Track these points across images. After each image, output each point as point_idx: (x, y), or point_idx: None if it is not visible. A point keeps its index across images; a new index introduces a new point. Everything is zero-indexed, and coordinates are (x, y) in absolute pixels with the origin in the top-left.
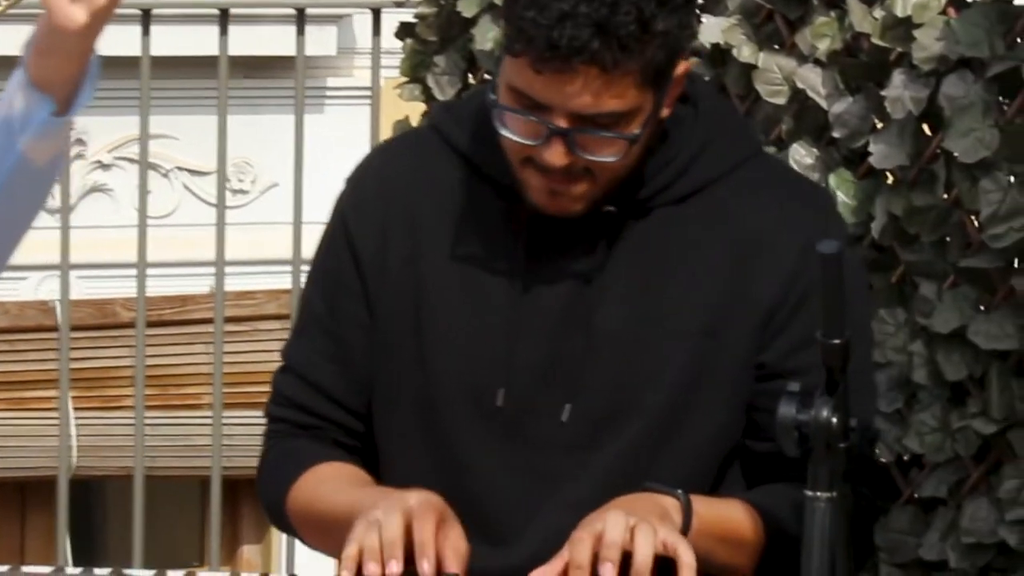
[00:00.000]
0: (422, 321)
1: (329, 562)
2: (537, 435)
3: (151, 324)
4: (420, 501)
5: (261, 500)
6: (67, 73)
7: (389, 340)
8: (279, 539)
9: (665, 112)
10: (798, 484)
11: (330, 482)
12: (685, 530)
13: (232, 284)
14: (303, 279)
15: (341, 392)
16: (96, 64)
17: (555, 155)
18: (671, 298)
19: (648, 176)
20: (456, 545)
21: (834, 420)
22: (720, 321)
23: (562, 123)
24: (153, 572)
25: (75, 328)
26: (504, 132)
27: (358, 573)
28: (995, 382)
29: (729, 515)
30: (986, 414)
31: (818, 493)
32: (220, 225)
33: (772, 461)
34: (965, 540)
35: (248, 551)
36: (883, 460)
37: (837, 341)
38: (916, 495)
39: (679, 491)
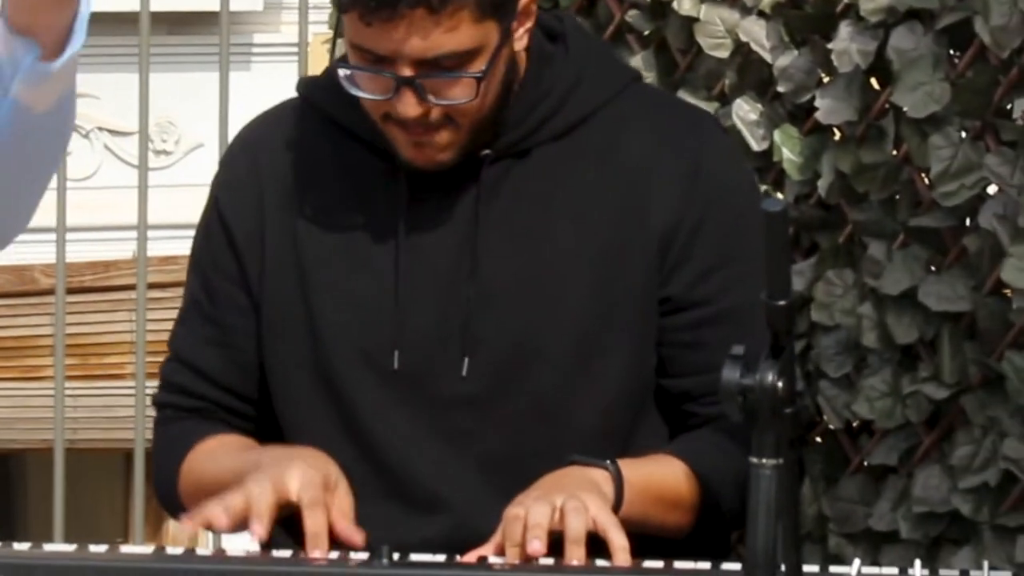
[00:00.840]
0: (308, 293)
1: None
2: (439, 394)
3: (71, 291)
4: (303, 483)
5: (156, 493)
6: (48, 19)
7: (278, 318)
8: None
9: (519, 45)
10: (720, 425)
11: (216, 452)
12: (618, 500)
13: (156, 249)
14: None
15: (226, 376)
16: (86, 11)
17: (408, 106)
18: (560, 239)
19: (521, 116)
20: (344, 508)
21: (780, 384)
22: (614, 257)
23: (407, 72)
24: (75, 547)
25: None
26: (355, 91)
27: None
28: (947, 345)
29: (661, 475)
30: (938, 378)
31: (764, 460)
32: (142, 187)
33: (690, 399)
34: (917, 509)
35: (174, 526)
36: (831, 427)
37: (783, 303)
38: (866, 463)
39: (607, 462)
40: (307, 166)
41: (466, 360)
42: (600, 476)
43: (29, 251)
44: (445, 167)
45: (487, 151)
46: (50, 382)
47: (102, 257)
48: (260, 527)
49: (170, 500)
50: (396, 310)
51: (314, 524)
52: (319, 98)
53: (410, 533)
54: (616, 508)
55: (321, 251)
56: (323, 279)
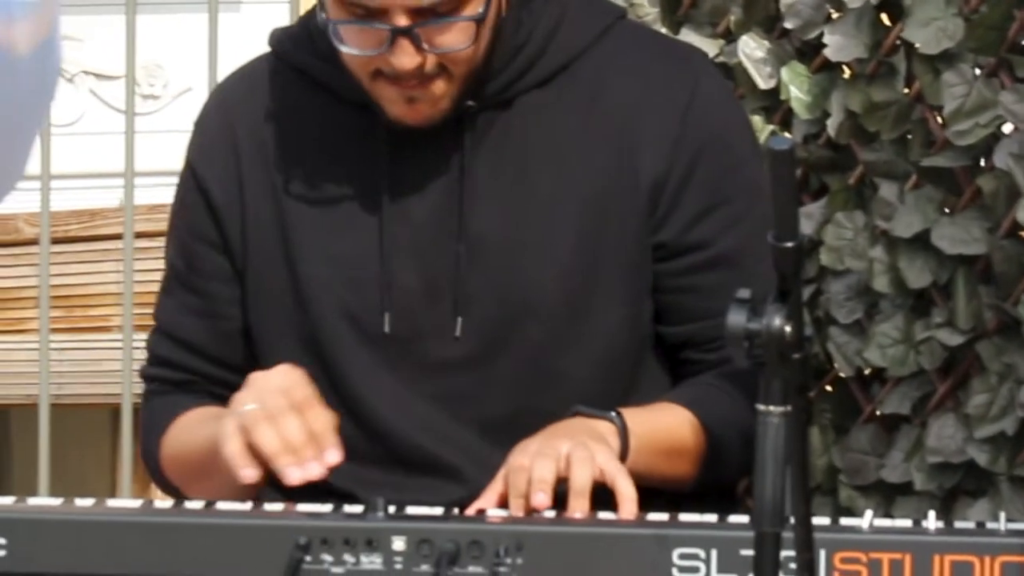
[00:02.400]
0: (292, 257)
1: None
2: (432, 356)
3: (56, 241)
4: (287, 385)
5: (145, 467)
6: None
7: (262, 284)
8: None
9: None
10: (724, 371)
11: (191, 425)
12: (624, 452)
13: (143, 197)
14: None
15: (210, 346)
16: None
17: (404, 57)
18: (548, 189)
19: (503, 63)
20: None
21: (787, 329)
22: (604, 205)
23: (402, 21)
24: (60, 500)
25: None
26: (345, 48)
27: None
28: (961, 289)
29: (666, 424)
30: (952, 324)
31: (771, 407)
32: (129, 133)
33: (691, 346)
34: (931, 460)
35: None
36: (842, 375)
37: (790, 244)
38: (878, 412)
39: (612, 413)
40: (283, 125)
41: (459, 320)
42: (605, 428)
43: (12, 200)
44: (436, 122)
45: (470, 103)
46: (35, 335)
47: (88, 206)
48: (252, 473)
49: (158, 476)
50: (383, 271)
51: (317, 424)
52: (291, 52)
53: (408, 496)
54: (622, 460)
55: (303, 213)
56: (306, 242)
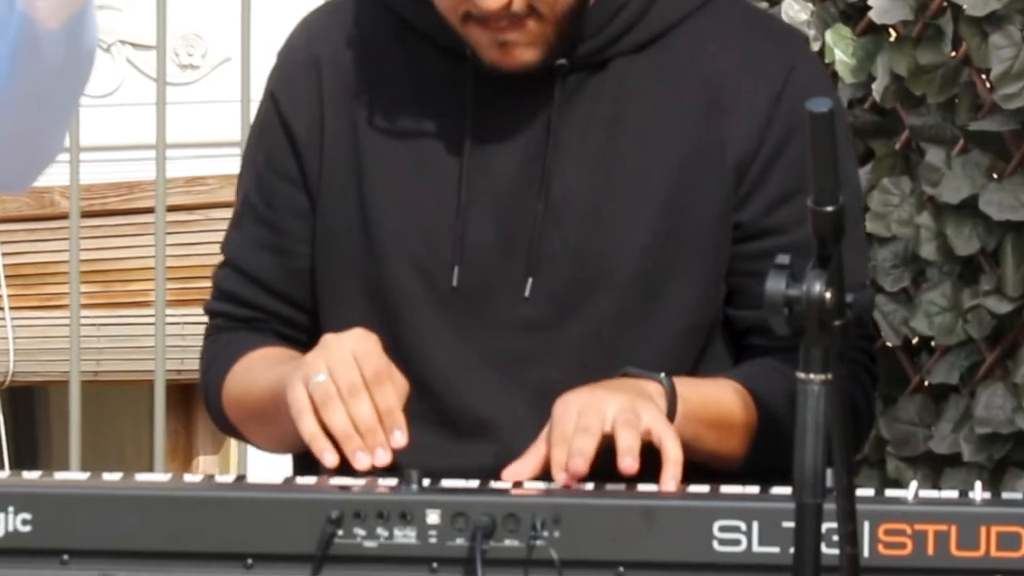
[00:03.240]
0: (365, 200)
1: (283, 467)
2: (498, 315)
3: (94, 214)
4: (366, 352)
5: (204, 401)
6: None
7: (331, 224)
8: (236, 449)
9: None
10: (789, 357)
11: (260, 365)
12: (670, 416)
13: (181, 169)
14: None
15: (280, 283)
16: None
17: None
18: (635, 156)
19: (600, 24)
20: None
21: (828, 295)
22: (690, 178)
23: None
24: (87, 475)
25: (9, 220)
26: None
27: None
28: (1010, 256)
29: (718, 398)
30: (1000, 291)
31: (811, 375)
32: (160, 104)
33: (757, 332)
34: (980, 430)
35: (204, 462)
36: (889, 344)
37: (830, 208)
38: (925, 382)
39: (662, 375)
40: (369, 62)
41: (529, 281)
42: (653, 389)
43: (48, 173)
44: (531, 68)
45: (563, 61)
46: (69, 310)
47: (126, 178)
48: (385, 455)
49: (217, 413)
50: (457, 222)
51: (386, 402)
52: None
53: (453, 460)
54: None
55: (381, 156)
56: (382, 184)
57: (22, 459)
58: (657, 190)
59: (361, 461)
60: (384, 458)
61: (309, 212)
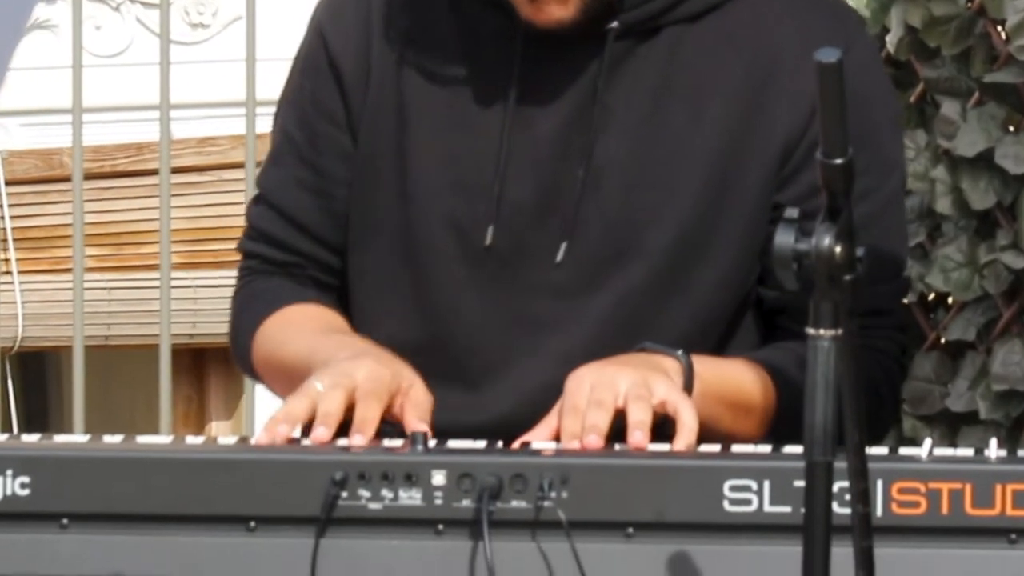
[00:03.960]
0: (405, 147)
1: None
2: (528, 278)
3: (103, 176)
4: (367, 376)
5: (230, 343)
6: None
7: (368, 168)
8: (249, 412)
9: None
10: None
11: (296, 325)
12: (687, 393)
13: (191, 129)
14: (259, 123)
15: (319, 225)
16: None
17: None
18: (680, 127)
19: None
20: (418, 401)
21: (837, 249)
22: (734, 154)
23: None
24: (87, 437)
25: (17, 182)
26: None
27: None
28: None
29: (736, 378)
30: (1017, 246)
31: (821, 331)
32: (164, 64)
33: (787, 313)
34: (997, 388)
35: (217, 427)
36: (904, 300)
37: (839, 160)
38: (942, 339)
39: (679, 352)
40: (416, 8)
41: (563, 246)
42: (670, 364)
43: (56, 134)
44: (566, 27)
45: (614, 23)
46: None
47: (135, 139)
48: (326, 433)
49: (244, 360)
50: (496, 181)
51: (364, 412)
52: None
53: (466, 419)
54: None
55: (425, 104)
56: (423, 135)
57: (32, 425)
58: (700, 164)
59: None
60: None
61: (351, 155)
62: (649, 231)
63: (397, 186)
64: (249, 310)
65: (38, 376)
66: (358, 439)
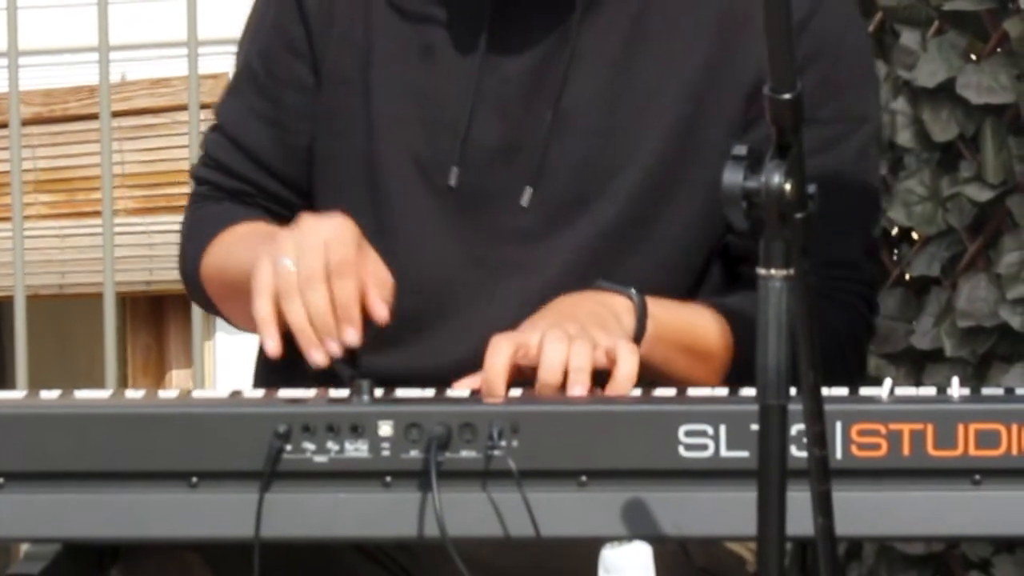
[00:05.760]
0: (371, 82)
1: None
2: (492, 221)
3: (54, 120)
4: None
5: (180, 272)
6: None
7: (334, 102)
8: (210, 362)
9: None
10: None
11: (245, 237)
12: (639, 335)
13: (143, 71)
14: (202, 64)
15: (274, 158)
16: None
17: None
18: (650, 72)
19: None
20: (376, 275)
21: (787, 186)
22: (702, 99)
23: None
24: (23, 393)
25: None
26: None
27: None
28: (990, 141)
29: (693, 322)
30: (981, 179)
31: (772, 271)
32: (102, 4)
33: (750, 262)
34: (962, 324)
35: (177, 376)
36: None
37: (787, 96)
38: (906, 275)
39: (632, 290)
40: None
41: (529, 190)
42: (621, 305)
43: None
44: None
45: None
46: (33, 221)
47: (90, 82)
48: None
49: (194, 285)
50: (464, 121)
51: (344, 293)
52: None
53: (422, 363)
54: (636, 342)
55: (393, 38)
56: (390, 69)
57: None
58: (668, 109)
59: (313, 356)
60: (334, 349)
61: (312, 87)
62: (615, 177)
63: (363, 119)
64: (197, 233)
65: None
66: (350, 334)
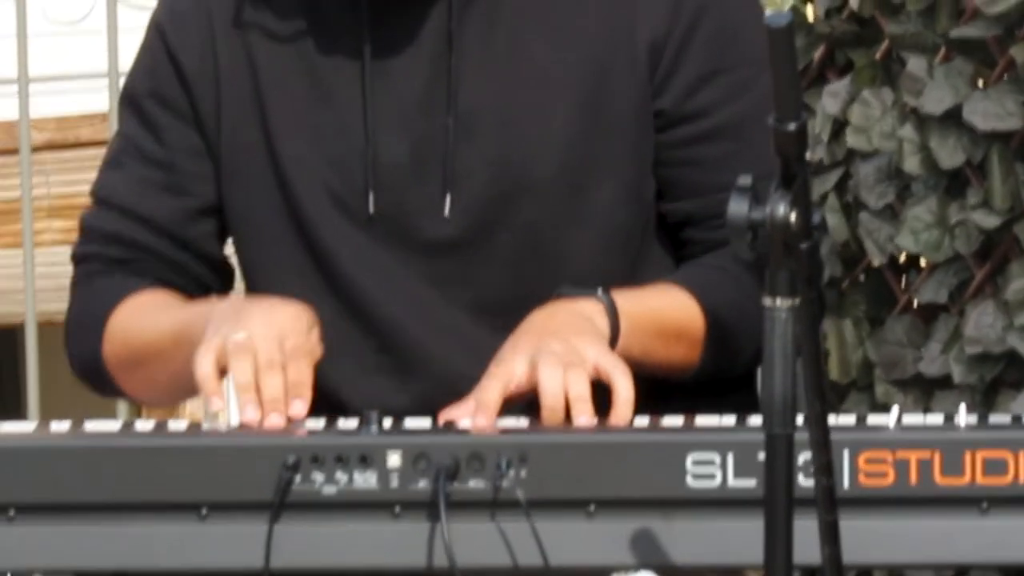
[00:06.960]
0: (270, 131)
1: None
2: (420, 237)
3: (66, 147)
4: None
5: (71, 363)
6: None
7: (240, 163)
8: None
9: None
10: (727, 251)
11: (149, 308)
12: (614, 334)
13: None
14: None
15: (170, 223)
16: None
17: None
18: (543, 58)
19: None
20: (297, 380)
21: (792, 217)
22: (602, 72)
23: None
24: (34, 426)
25: None
26: None
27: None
28: (996, 168)
29: (660, 306)
30: (988, 205)
31: (778, 301)
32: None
33: (693, 224)
34: (970, 351)
35: (191, 403)
36: (874, 263)
37: (792, 127)
38: (914, 302)
39: (598, 291)
40: None
41: (448, 198)
42: (592, 308)
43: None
44: None
45: None
46: (42, 248)
47: (99, 109)
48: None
49: (92, 369)
50: (367, 146)
51: (299, 374)
52: None
53: (398, 389)
54: (613, 343)
55: (281, 82)
56: (285, 114)
57: (6, 403)
58: (569, 89)
59: (248, 413)
60: (276, 422)
61: (205, 151)
62: (532, 166)
63: (271, 170)
64: (89, 315)
65: (9, 354)
66: (299, 407)
